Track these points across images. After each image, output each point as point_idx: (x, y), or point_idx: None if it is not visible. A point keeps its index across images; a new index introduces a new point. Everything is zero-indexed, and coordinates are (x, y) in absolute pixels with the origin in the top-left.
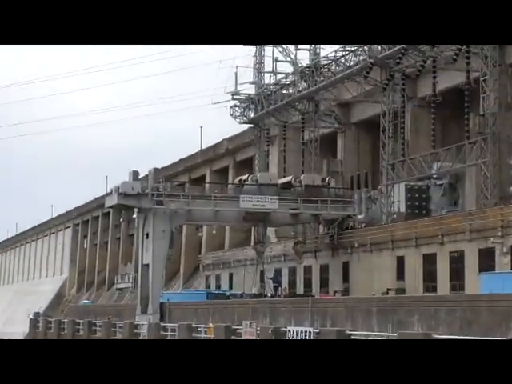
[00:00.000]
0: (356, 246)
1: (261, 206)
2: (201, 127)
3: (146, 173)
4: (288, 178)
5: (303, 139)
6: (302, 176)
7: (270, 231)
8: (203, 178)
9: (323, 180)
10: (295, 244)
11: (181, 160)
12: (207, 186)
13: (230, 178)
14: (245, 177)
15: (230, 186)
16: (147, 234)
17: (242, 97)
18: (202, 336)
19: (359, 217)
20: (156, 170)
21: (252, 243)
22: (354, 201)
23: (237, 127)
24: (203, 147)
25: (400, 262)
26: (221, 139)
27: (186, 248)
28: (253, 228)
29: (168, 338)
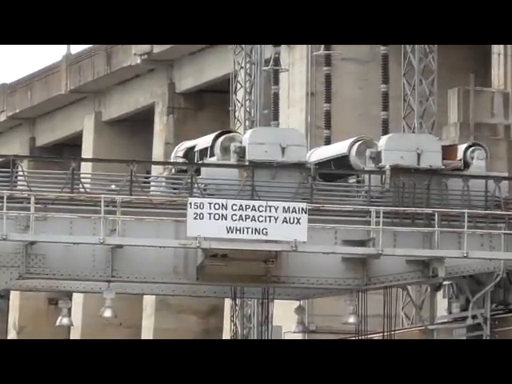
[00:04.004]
0: None
1: (254, 238)
2: None
3: None
4: (340, 147)
5: None
6: (384, 140)
7: (283, 311)
8: (75, 145)
9: (449, 151)
10: None
11: (4, 88)
12: (85, 166)
13: (158, 145)
14: (202, 141)
15: (156, 171)
16: None
17: None
18: None
19: None
20: None
21: None
22: None
23: None
24: (72, 51)
25: None
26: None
27: None
28: (230, 304)
29: None
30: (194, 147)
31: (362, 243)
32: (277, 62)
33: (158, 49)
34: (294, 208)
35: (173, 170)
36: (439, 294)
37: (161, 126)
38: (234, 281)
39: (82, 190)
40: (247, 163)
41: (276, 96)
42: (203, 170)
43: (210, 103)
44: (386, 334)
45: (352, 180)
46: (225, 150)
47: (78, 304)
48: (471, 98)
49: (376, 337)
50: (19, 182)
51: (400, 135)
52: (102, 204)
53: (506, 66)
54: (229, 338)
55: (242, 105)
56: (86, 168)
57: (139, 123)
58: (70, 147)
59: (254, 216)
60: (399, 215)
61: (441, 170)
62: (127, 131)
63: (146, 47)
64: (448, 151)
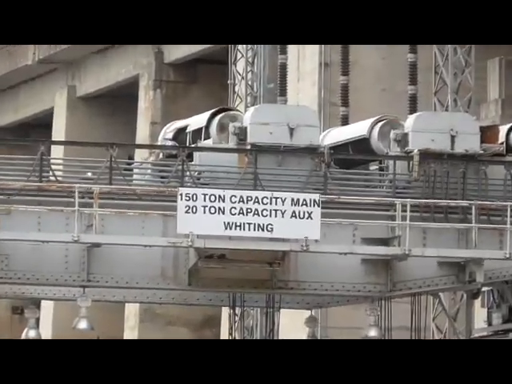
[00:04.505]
0: None
1: (257, 235)
2: None
3: None
4: (360, 128)
5: None
6: (412, 119)
7: (291, 322)
8: (44, 125)
9: (489, 133)
10: None
11: None
12: (56, 150)
13: (142, 126)
14: (195, 121)
15: (140, 156)
16: None
17: None
18: None
19: None
20: None
21: None
22: None
23: None
24: None
25: None
26: None
27: None
28: (229, 313)
29: None
30: (185, 128)
31: (385, 242)
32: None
33: None
34: (305, 200)
35: (160, 155)
36: (477, 303)
37: (146, 102)
38: (233, 286)
39: (53, 178)
40: (249, 147)
41: (283, 67)
42: (196, 154)
43: (204, 76)
44: None
45: (373, 167)
46: (222, 131)
47: (48, 313)
48: None
49: None
50: None
51: (431, 114)
52: (77, 195)
53: None
54: None
55: (242, 78)
56: (57, 152)
57: (120, 99)
58: (38, 128)
59: (256, 210)
60: (430, 209)
61: (479, 156)
62: (106, 109)
63: None
64: (487, 133)
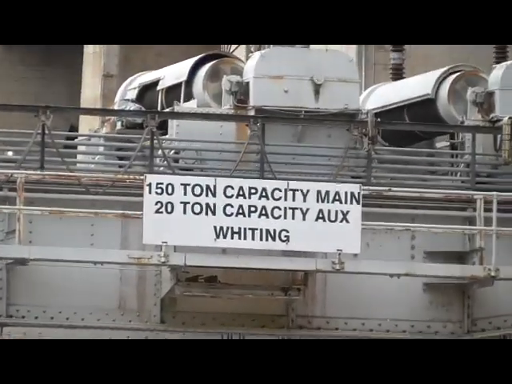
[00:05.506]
0: None
1: (266, 248)
2: None
3: None
4: (420, 84)
5: None
6: (500, 72)
7: None
8: None
9: None
10: None
11: None
12: None
13: (90, 80)
14: (171, 73)
15: (88, 125)
16: None
17: None
18: None
19: None
20: None
21: None
22: None
23: None
24: None
25: None
26: None
27: None
28: None
29: None
30: (155, 84)
31: (460, 257)
32: None
33: None
34: (338, 194)
35: (118, 125)
36: None
37: (96, 47)
38: (230, 325)
39: None
40: (252, 113)
41: None
42: (173, 124)
43: None
44: None
45: (442, 144)
46: (212, 87)
47: None
48: None
49: None
50: None
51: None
52: None
53: None
54: None
55: None
56: None
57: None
58: None
59: (264, 208)
60: None
61: None
62: (39, 56)
63: None
64: None
